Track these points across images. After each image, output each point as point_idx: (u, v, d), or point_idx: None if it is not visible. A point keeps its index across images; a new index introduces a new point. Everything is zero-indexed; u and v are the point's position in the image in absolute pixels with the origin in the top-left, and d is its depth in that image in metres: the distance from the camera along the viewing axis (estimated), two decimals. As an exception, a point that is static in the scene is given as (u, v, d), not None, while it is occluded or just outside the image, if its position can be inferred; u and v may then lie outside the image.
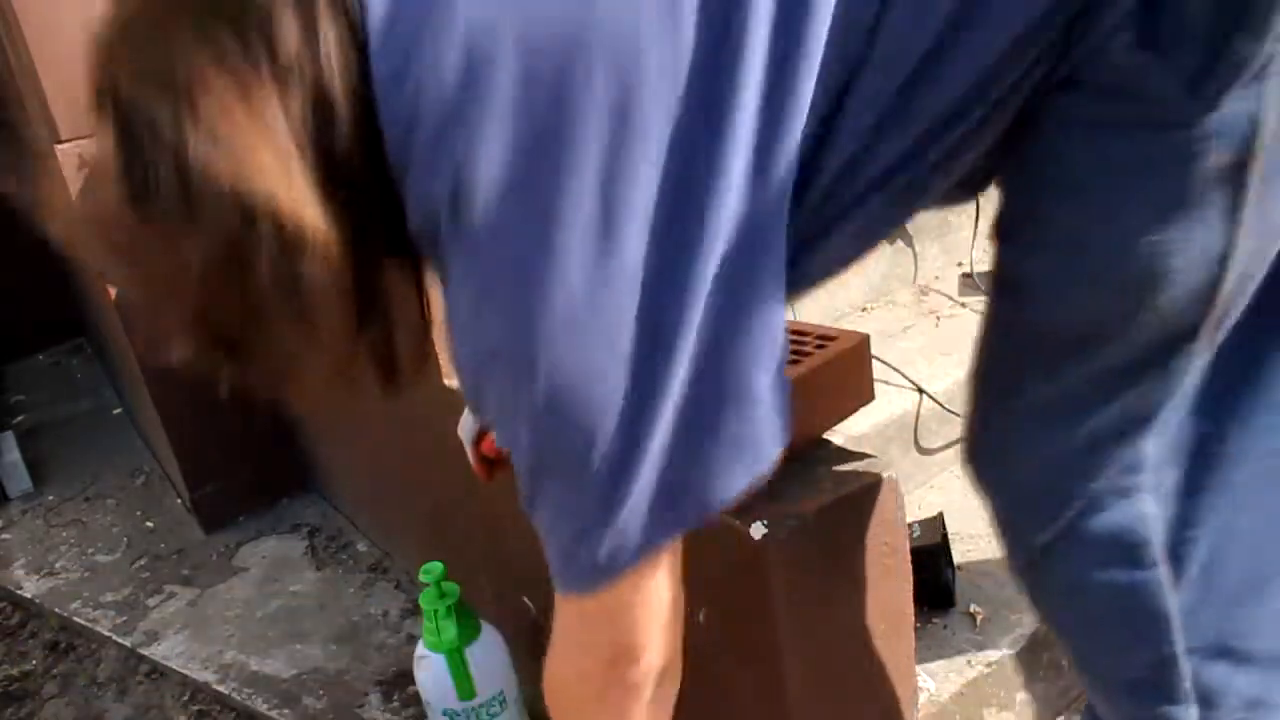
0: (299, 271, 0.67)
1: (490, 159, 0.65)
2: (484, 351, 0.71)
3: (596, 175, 0.65)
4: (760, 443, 0.73)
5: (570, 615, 0.83)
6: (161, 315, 0.71)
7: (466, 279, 0.70)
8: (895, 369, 1.66)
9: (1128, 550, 0.84)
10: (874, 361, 1.19)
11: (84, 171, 1.88)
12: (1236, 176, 0.69)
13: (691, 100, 0.66)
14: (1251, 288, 0.77)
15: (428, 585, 1.35)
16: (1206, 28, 0.66)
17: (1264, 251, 0.75)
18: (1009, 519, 0.91)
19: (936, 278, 1.98)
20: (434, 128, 0.66)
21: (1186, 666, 0.86)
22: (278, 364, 0.73)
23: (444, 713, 1.40)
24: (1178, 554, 0.84)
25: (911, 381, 1.64)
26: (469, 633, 1.37)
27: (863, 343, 1.14)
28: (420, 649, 1.39)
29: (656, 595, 0.79)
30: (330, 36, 0.66)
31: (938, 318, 1.85)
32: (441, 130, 0.66)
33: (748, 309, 0.69)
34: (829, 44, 0.67)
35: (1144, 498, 0.83)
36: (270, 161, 0.65)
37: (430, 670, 1.38)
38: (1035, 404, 0.83)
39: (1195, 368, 0.79)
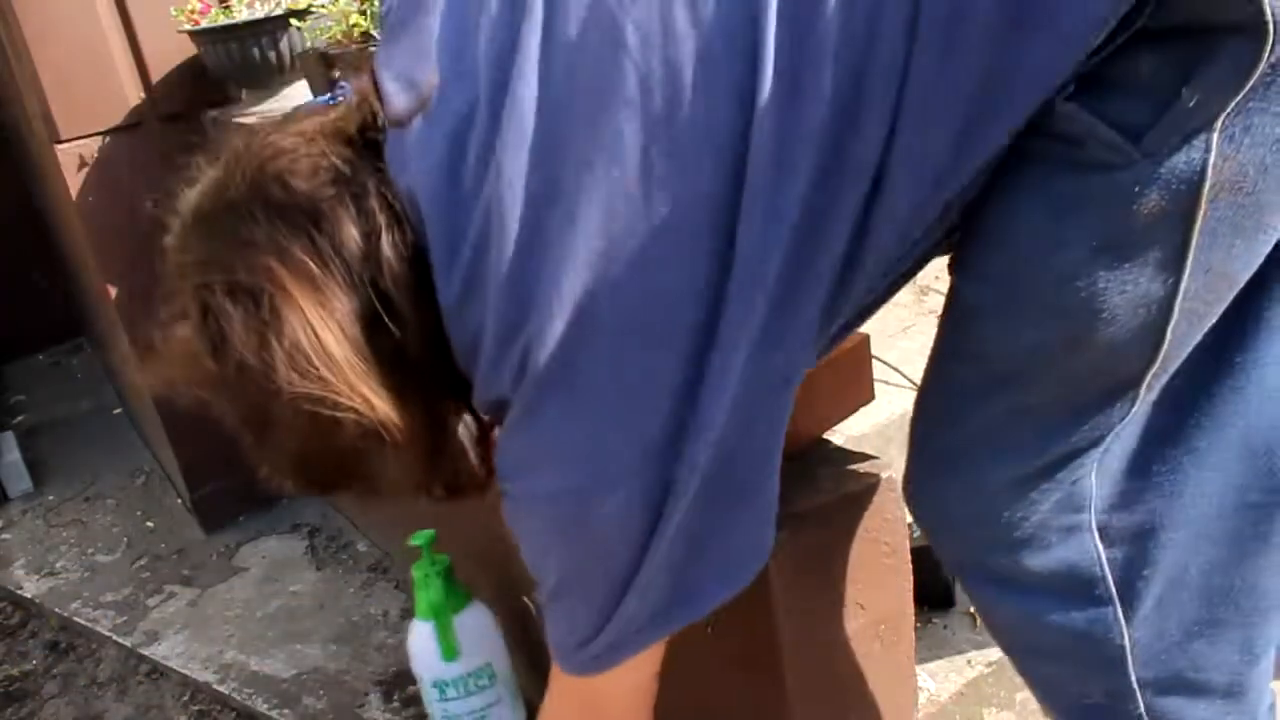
0: (373, 435, 0.76)
1: (545, 354, 0.73)
2: (533, 494, 0.81)
3: (623, 361, 0.73)
4: (741, 568, 0.83)
5: (561, 687, 0.95)
6: (264, 452, 0.83)
7: (523, 437, 0.79)
8: (895, 369, 1.65)
9: (1077, 587, 0.84)
10: (874, 361, 1.19)
11: (83, 171, 1.88)
12: (1182, 224, 0.69)
13: (704, 299, 0.72)
14: (1202, 330, 0.77)
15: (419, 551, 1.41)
16: (1152, 82, 0.67)
17: (1214, 298, 0.75)
18: (948, 549, 0.92)
19: (937, 278, 1.97)
20: (497, 341, 0.74)
21: (1141, 698, 0.86)
22: (361, 484, 0.85)
23: (434, 685, 1.41)
24: (1131, 590, 0.84)
25: (911, 381, 1.64)
26: (457, 600, 1.40)
27: (863, 343, 1.14)
28: (412, 623, 1.42)
29: (637, 680, 0.92)
30: (388, 247, 0.74)
31: (938, 318, 1.85)
32: (505, 344, 0.74)
33: (745, 468, 0.78)
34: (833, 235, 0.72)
35: (1091, 535, 0.83)
36: (343, 353, 0.73)
37: (419, 639, 1.41)
38: (972, 435, 0.84)
39: (1138, 409, 0.79)
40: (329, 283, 0.72)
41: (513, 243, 0.70)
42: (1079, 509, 0.82)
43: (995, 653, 1.33)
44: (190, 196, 0.78)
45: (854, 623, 1.10)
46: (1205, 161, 0.67)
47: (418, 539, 1.41)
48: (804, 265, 0.72)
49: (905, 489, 0.92)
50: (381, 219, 0.73)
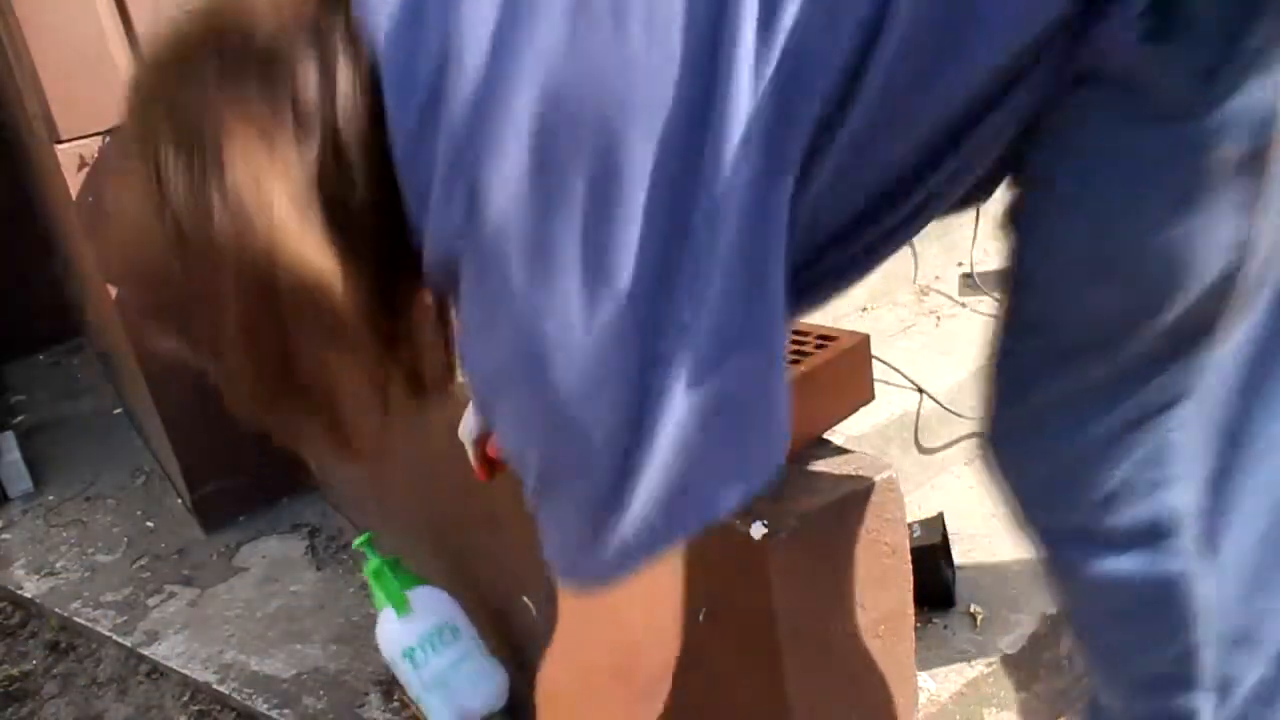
0: (320, 309, 0.71)
1: (499, 191, 0.68)
2: (493, 369, 0.74)
3: (583, 210, 0.68)
4: (761, 453, 0.75)
5: (572, 620, 0.84)
6: (212, 349, 0.76)
7: (478, 300, 0.73)
8: (895, 369, 1.65)
9: (1158, 542, 0.82)
10: (874, 361, 1.19)
11: (84, 171, 1.88)
12: (1254, 167, 0.68)
13: (678, 141, 0.68)
14: (1275, 276, 0.75)
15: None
16: (1221, 18, 0.65)
17: None
18: (1028, 511, 0.89)
19: (937, 278, 1.98)
20: (448, 167, 0.69)
21: (1208, 656, 0.85)
22: (320, 394, 0.77)
23: (404, 656, 1.48)
24: (1207, 544, 0.82)
25: (911, 381, 1.64)
26: (407, 581, 1.54)
27: (863, 343, 1.14)
28: (377, 620, 1.54)
29: (659, 600, 0.81)
30: (345, 86, 0.70)
31: (938, 318, 1.85)
32: (455, 169, 0.69)
33: (748, 324, 0.71)
34: (814, 79, 0.69)
35: (1174, 489, 0.81)
36: (287, 210, 0.69)
37: (381, 624, 1.51)
38: (1051, 399, 0.82)
39: (1216, 358, 0.78)
40: (279, 133, 0.69)
41: (467, 69, 0.68)
42: (1163, 463, 0.81)
43: (995, 653, 1.33)
44: (151, 49, 0.75)
45: (854, 623, 1.10)
46: (1276, 100, 0.66)
47: (358, 542, 1.55)
48: (789, 105, 0.69)
49: (986, 451, 0.90)
50: (341, 70, 0.70)
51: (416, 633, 1.48)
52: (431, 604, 1.52)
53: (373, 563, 1.53)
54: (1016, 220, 0.81)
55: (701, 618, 1.09)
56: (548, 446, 0.74)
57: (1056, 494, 0.86)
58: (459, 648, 1.49)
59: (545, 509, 0.78)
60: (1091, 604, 0.91)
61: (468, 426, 1.19)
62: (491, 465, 1.19)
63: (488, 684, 1.50)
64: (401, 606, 1.49)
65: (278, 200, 0.68)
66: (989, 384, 0.89)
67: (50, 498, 2.47)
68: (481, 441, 1.18)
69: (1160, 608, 0.85)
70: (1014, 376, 0.86)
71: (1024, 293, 0.83)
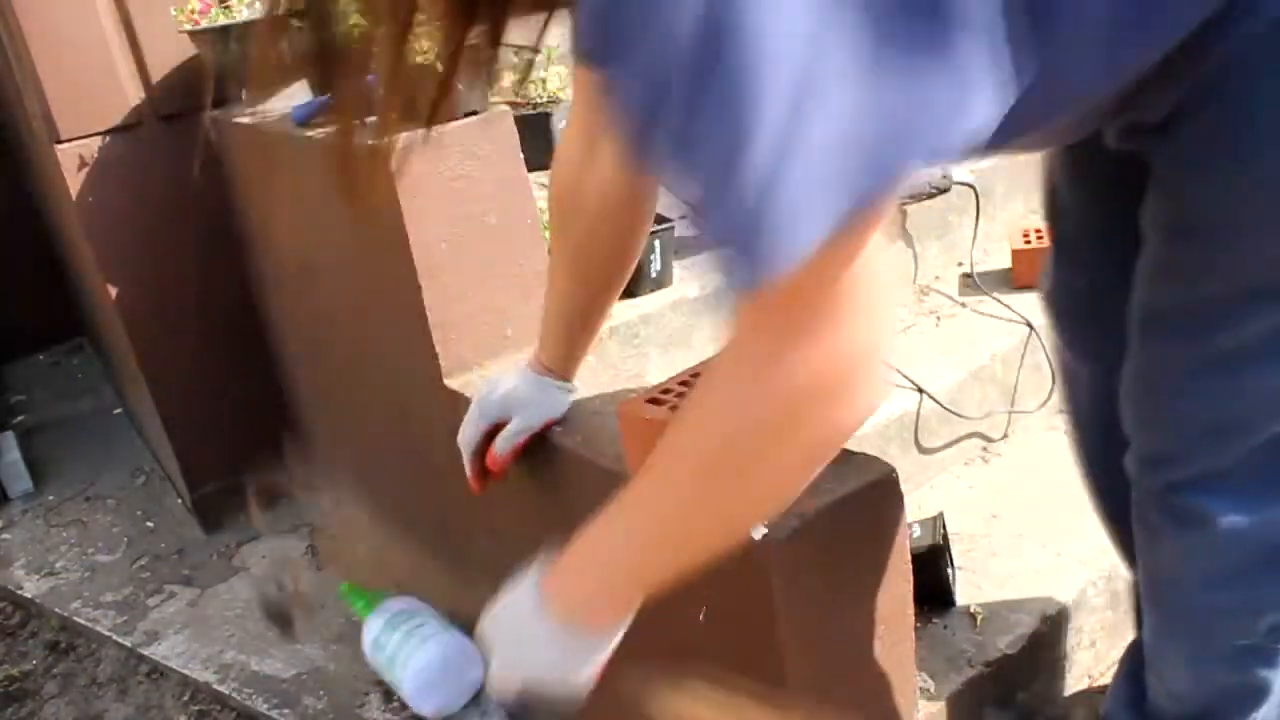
0: None
1: None
2: None
3: None
4: (969, 67, 0.58)
5: (753, 335, 0.64)
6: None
7: None
8: (895, 369, 1.65)
9: None
10: (874, 361, 1.19)
11: (84, 171, 1.88)
12: None
13: None
14: None
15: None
16: None
17: None
18: (1166, 461, 0.89)
19: (937, 278, 1.98)
20: None
21: None
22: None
23: (386, 626, 1.60)
24: None
25: (911, 381, 1.64)
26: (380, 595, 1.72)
27: (863, 343, 1.13)
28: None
29: (877, 283, 0.62)
30: None
31: (938, 318, 1.85)
32: None
33: None
34: None
35: None
36: None
37: (364, 632, 1.66)
38: (1219, 345, 0.81)
39: None
40: None
41: None
42: None
43: (995, 652, 1.33)
44: None
45: (854, 623, 1.10)
46: None
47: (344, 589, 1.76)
48: None
49: (1135, 396, 0.89)
50: None
51: (389, 610, 1.65)
52: (400, 602, 1.69)
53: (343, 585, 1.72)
54: (1184, 165, 0.79)
55: (702, 618, 1.09)
56: (695, 66, 0.55)
57: (1207, 440, 0.85)
58: (421, 617, 1.63)
59: (695, 166, 0.59)
60: (1210, 558, 0.89)
61: (466, 434, 1.19)
62: (486, 476, 1.18)
63: (451, 652, 1.58)
64: (376, 598, 1.69)
65: None
66: (1144, 332, 0.86)
67: (50, 498, 2.47)
68: (479, 452, 1.18)
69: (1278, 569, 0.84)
70: (1180, 328, 0.84)
71: (1196, 241, 0.81)
